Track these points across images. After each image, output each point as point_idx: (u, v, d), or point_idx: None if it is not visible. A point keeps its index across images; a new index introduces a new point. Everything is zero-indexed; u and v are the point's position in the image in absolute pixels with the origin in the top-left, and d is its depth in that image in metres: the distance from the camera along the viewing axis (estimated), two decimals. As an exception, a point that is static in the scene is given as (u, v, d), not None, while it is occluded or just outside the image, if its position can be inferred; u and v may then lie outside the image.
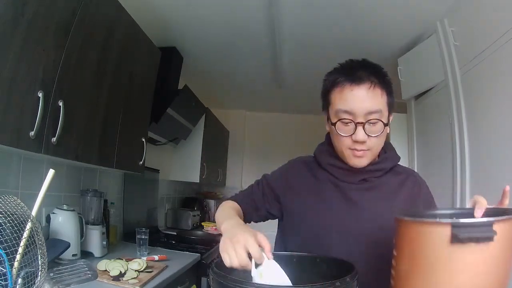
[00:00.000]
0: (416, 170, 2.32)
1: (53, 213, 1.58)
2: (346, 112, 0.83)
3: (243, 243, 0.66)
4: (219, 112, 3.79)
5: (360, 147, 0.85)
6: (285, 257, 0.86)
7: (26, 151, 1.17)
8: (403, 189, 0.93)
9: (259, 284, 0.65)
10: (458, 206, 1.76)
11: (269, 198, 1.01)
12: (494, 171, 1.53)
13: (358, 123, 0.82)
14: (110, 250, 1.89)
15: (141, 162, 1.99)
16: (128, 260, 1.59)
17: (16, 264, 0.81)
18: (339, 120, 0.84)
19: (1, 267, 0.79)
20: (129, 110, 1.81)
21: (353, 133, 0.83)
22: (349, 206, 0.90)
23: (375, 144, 0.86)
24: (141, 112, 2.01)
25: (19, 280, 0.81)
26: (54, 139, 1.25)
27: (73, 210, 1.62)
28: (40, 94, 1.16)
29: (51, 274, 1.25)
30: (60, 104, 1.26)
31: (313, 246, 0.88)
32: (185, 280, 1.93)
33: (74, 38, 1.31)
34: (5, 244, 0.78)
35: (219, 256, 0.71)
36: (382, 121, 0.84)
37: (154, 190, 2.95)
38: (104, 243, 1.81)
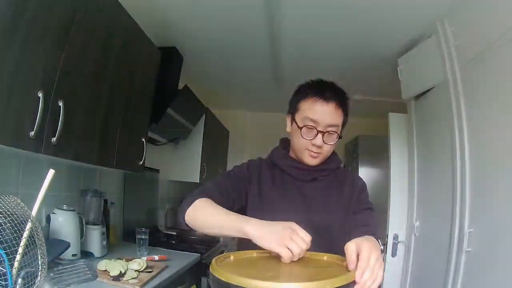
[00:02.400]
0: (416, 170, 2.33)
1: (53, 213, 1.58)
2: (312, 120, 1.02)
3: (302, 236, 0.76)
4: (219, 112, 3.78)
5: (316, 150, 1.04)
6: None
7: (26, 151, 1.17)
8: (344, 187, 1.12)
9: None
10: (458, 206, 1.76)
11: (239, 191, 1.08)
12: (494, 171, 1.53)
13: (320, 131, 1.02)
14: (110, 250, 1.89)
15: (141, 162, 1.99)
16: (128, 260, 1.59)
17: (16, 264, 0.81)
18: (305, 125, 1.02)
19: (1, 267, 0.79)
20: (129, 110, 1.81)
21: (313, 138, 1.02)
22: (306, 200, 1.07)
23: (328, 150, 1.06)
24: (141, 112, 2.00)
25: (19, 280, 0.81)
26: (54, 139, 1.24)
27: (73, 210, 1.62)
28: (40, 94, 1.16)
29: (51, 274, 1.25)
30: (60, 104, 1.26)
31: None
32: (185, 280, 1.94)
33: (74, 38, 1.31)
34: (5, 244, 0.78)
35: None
36: (337, 134, 1.05)
37: (154, 190, 2.95)
38: (104, 243, 1.81)
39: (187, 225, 0.97)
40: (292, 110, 1.10)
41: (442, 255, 1.86)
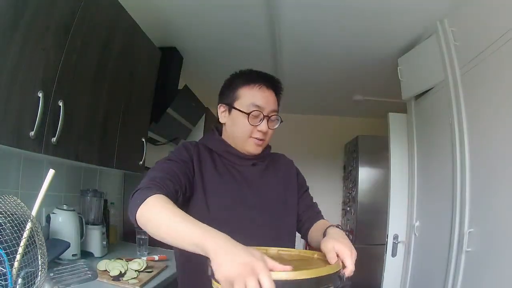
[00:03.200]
0: (416, 170, 2.33)
1: (53, 213, 1.58)
2: (258, 106, 1.03)
3: (259, 273, 0.58)
4: (219, 112, 3.78)
5: (261, 137, 1.05)
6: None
7: (26, 151, 1.17)
8: (279, 169, 1.18)
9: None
10: (458, 206, 1.77)
11: (188, 176, 0.99)
12: (494, 171, 1.53)
13: (266, 116, 1.04)
14: (110, 250, 1.89)
15: (141, 162, 1.99)
16: (128, 260, 1.59)
17: (16, 264, 0.81)
18: (252, 111, 1.03)
19: (1, 267, 0.79)
20: (129, 110, 1.81)
21: (259, 124, 1.04)
22: (248, 184, 1.08)
23: (270, 136, 1.09)
24: (141, 112, 2.01)
25: (19, 280, 0.81)
26: (54, 139, 1.25)
27: (73, 210, 1.62)
28: (40, 94, 1.16)
29: (51, 274, 1.25)
30: (60, 104, 1.26)
31: (222, 221, 0.85)
32: (185, 280, 1.93)
33: (74, 38, 1.31)
34: (5, 244, 0.78)
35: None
36: (279, 118, 1.09)
37: (154, 190, 2.94)
38: (104, 243, 1.81)
39: (139, 226, 0.80)
40: (229, 99, 1.10)
41: (442, 255, 1.86)
